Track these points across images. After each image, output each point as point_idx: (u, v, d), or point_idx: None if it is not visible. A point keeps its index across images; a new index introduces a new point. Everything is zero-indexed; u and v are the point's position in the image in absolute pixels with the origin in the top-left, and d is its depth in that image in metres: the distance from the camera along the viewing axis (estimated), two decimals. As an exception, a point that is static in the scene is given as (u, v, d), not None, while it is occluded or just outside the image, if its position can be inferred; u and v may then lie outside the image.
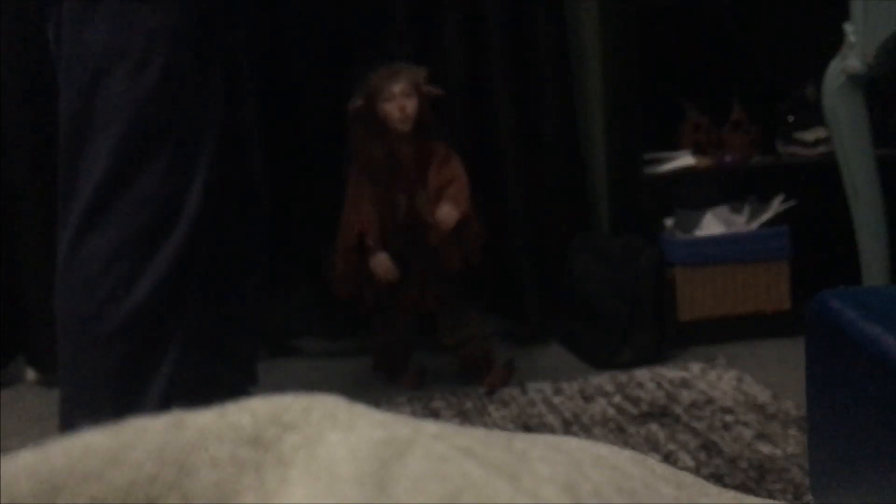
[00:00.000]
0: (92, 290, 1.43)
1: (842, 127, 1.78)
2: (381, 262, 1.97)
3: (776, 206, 2.32)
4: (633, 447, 1.62)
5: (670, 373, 2.03)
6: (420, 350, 2.17)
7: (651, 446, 1.63)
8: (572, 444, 0.38)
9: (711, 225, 2.33)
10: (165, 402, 1.42)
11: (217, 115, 1.48)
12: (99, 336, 1.42)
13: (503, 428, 1.78)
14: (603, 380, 2.01)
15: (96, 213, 1.42)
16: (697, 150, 2.39)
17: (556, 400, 1.91)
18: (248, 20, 1.65)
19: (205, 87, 1.48)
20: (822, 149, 2.30)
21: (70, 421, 1.46)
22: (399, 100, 1.93)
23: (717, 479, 1.48)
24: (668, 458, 1.57)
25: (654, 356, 2.12)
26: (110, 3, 1.41)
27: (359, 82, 1.99)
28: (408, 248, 2.00)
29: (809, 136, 2.34)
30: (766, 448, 1.58)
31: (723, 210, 2.36)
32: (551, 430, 1.76)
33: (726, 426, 1.69)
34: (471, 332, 2.04)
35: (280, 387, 0.44)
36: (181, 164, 1.45)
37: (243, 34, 1.62)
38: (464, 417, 1.86)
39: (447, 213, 1.94)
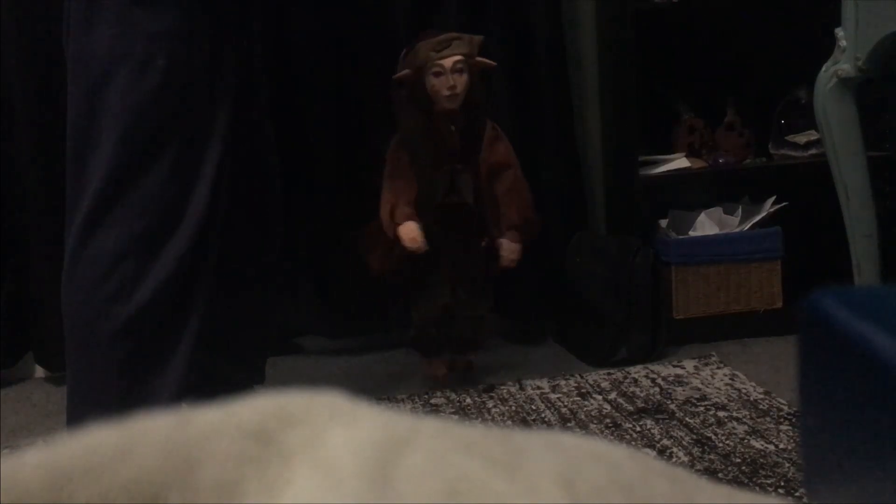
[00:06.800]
0: (97, 290, 1.43)
1: (833, 129, 1.80)
2: (409, 230, 1.83)
3: (769, 207, 2.35)
4: (629, 443, 1.65)
5: (665, 370, 2.06)
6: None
7: (646, 442, 1.66)
8: (569, 440, 0.38)
9: (705, 225, 2.36)
10: (174, 399, 1.44)
11: (226, 116, 1.49)
12: (105, 335, 1.43)
13: (501, 424, 1.80)
14: (599, 377, 2.04)
15: (101, 214, 1.43)
16: (692, 153, 2.41)
17: (553, 397, 1.93)
18: (258, 21, 1.65)
19: (212, 89, 1.48)
20: (813, 151, 2.32)
21: (77, 418, 1.47)
22: (449, 76, 1.75)
23: (711, 474, 1.50)
24: (663, 454, 1.60)
25: (649, 354, 2.15)
26: (112, 6, 1.41)
27: (408, 50, 1.83)
28: (444, 230, 1.88)
29: (801, 138, 2.36)
30: (758, 444, 1.61)
31: (716, 211, 2.38)
32: (548, 426, 1.78)
33: (720, 422, 1.72)
34: (483, 313, 2.01)
35: (283, 384, 0.46)
36: (186, 166, 1.46)
37: (256, 35, 1.63)
38: (463, 414, 1.88)
39: (510, 250, 1.90)
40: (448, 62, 1.75)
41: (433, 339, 2.02)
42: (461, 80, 1.75)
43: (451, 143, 1.82)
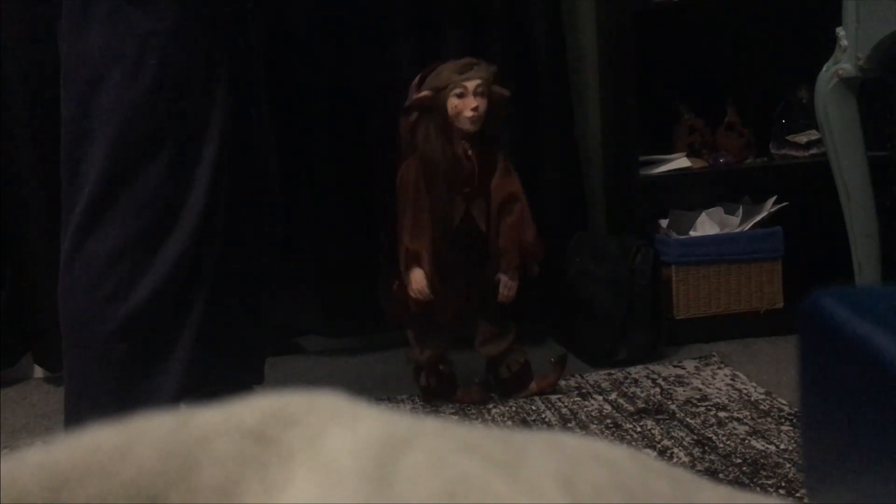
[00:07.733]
0: (93, 291, 1.44)
1: (834, 129, 1.80)
2: (419, 280, 1.82)
3: (769, 207, 2.35)
4: (629, 443, 1.65)
5: (665, 370, 2.06)
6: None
7: (647, 443, 1.66)
8: (570, 440, 0.38)
9: (706, 225, 2.36)
10: (173, 399, 1.44)
11: (222, 116, 1.48)
12: (102, 335, 1.43)
13: (502, 425, 1.80)
14: (599, 377, 2.04)
15: (96, 215, 1.43)
16: (692, 152, 2.41)
17: (554, 397, 1.93)
18: (257, 20, 1.65)
19: (207, 89, 1.48)
20: (814, 151, 2.32)
21: (75, 418, 1.47)
22: (472, 98, 1.79)
23: (712, 474, 1.50)
24: (664, 455, 1.60)
25: (650, 354, 2.15)
26: (104, 8, 1.41)
27: (427, 72, 1.85)
28: (460, 254, 1.88)
29: (802, 138, 2.36)
30: (759, 444, 1.61)
31: (717, 211, 2.38)
32: (549, 426, 1.78)
33: (720, 423, 1.72)
34: (509, 346, 1.93)
35: (283, 384, 0.46)
36: (182, 166, 1.46)
37: (255, 34, 1.62)
38: (463, 414, 1.88)
39: (507, 286, 1.87)
40: (471, 84, 1.79)
41: (433, 388, 1.95)
42: (483, 104, 1.79)
43: (467, 167, 1.84)
